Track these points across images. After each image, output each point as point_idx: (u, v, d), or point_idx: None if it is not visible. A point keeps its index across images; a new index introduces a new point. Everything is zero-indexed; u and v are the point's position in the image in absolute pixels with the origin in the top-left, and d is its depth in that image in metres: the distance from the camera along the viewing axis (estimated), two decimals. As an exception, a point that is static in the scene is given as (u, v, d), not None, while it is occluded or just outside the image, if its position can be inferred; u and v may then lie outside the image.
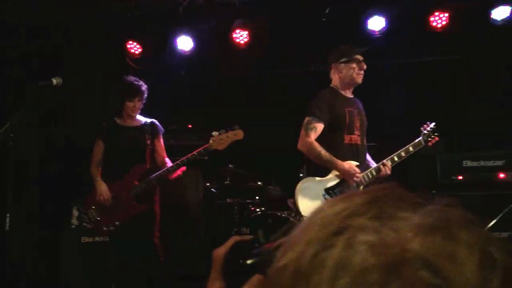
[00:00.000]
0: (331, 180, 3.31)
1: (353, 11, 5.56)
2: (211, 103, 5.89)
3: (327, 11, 5.55)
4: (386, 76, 5.79)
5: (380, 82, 5.62)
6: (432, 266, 0.46)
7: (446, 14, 5.18)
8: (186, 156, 3.71)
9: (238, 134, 3.62)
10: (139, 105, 4.01)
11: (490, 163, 4.49)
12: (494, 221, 3.95)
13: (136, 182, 3.83)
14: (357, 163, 3.33)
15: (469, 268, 0.46)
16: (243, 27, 5.57)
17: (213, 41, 5.75)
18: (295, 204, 3.28)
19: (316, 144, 3.28)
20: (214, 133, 3.67)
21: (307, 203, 3.24)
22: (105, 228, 3.84)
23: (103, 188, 3.84)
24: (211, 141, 3.66)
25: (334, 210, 0.53)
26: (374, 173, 3.34)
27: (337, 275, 0.48)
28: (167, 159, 4.01)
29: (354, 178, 3.23)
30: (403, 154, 3.37)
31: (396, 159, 3.35)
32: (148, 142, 3.96)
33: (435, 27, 5.25)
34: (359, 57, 3.42)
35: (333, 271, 0.48)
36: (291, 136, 3.52)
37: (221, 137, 3.62)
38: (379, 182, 3.30)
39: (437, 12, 5.19)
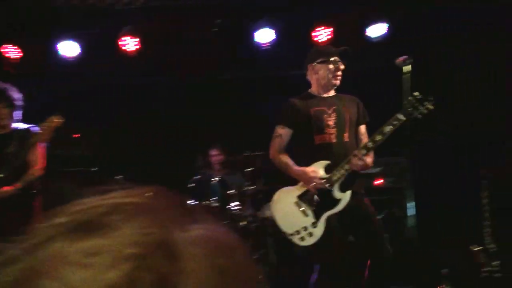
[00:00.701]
0: (302, 186, 3.20)
1: (242, 23, 5.67)
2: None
3: (218, 21, 5.60)
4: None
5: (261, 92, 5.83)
6: None
7: (330, 29, 5.46)
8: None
9: (53, 120, 3.39)
10: (5, 112, 3.69)
11: (367, 170, 4.77)
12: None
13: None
14: (328, 162, 3.13)
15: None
16: (132, 34, 5.43)
17: (100, 47, 5.55)
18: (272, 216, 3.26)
19: (276, 153, 3.26)
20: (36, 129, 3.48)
21: (282, 213, 3.21)
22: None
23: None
24: (32, 139, 3.48)
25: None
26: (346, 167, 3.06)
27: None
28: (38, 169, 3.71)
29: (311, 185, 3.08)
30: (378, 137, 3.01)
31: (371, 145, 3.03)
32: (12, 149, 3.65)
33: (317, 42, 5.51)
34: (336, 58, 3.26)
35: None
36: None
37: (43, 129, 3.41)
38: (353, 176, 3.10)
39: (321, 26, 5.45)
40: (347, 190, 3.09)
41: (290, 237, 3.14)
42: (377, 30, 5.42)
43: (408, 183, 5.01)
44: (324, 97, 3.31)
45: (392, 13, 5.32)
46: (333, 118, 3.20)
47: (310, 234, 3.09)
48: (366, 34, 5.45)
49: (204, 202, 4.51)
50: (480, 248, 4.22)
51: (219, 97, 6.01)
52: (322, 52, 3.32)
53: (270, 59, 5.84)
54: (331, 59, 3.22)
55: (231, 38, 5.66)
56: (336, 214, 3.08)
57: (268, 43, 5.59)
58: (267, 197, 5.15)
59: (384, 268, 3.11)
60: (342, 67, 3.25)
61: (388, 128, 2.97)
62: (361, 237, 3.16)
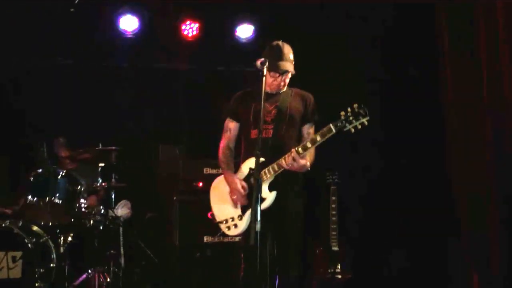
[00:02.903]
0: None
1: (105, 7, 5.29)
2: None
3: (76, 1, 5.13)
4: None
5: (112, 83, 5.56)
6: None
7: (197, 25, 5.36)
8: None
9: None
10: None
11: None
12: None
13: None
14: (262, 159, 3.00)
15: None
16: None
17: None
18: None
19: (221, 150, 3.34)
20: None
21: (216, 200, 3.30)
22: None
23: None
24: None
25: None
26: (276, 168, 3.05)
27: None
28: None
29: (233, 197, 3.16)
30: (308, 145, 2.99)
31: (300, 151, 2.98)
32: None
33: (186, 36, 5.37)
34: (282, 70, 3.18)
35: None
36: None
37: None
38: (283, 177, 3.05)
39: (188, 21, 5.32)
40: (273, 190, 3.08)
41: (219, 224, 3.26)
42: (245, 32, 5.46)
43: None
44: (270, 93, 3.28)
45: (258, 15, 5.39)
46: (272, 114, 3.22)
47: (235, 226, 3.17)
48: (236, 34, 5.46)
49: (46, 199, 4.08)
50: (325, 250, 4.44)
51: (69, 84, 5.51)
52: (269, 55, 3.16)
53: (132, 50, 5.57)
54: (275, 69, 3.17)
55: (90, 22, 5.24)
56: (265, 213, 2.94)
57: (131, 32, 5.31)
58: (120, 195, 4.92)
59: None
60: (287, 81, 3.25)
61: (318, 138, 2.97)
62: (276, 248, 3.17)
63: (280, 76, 3.20)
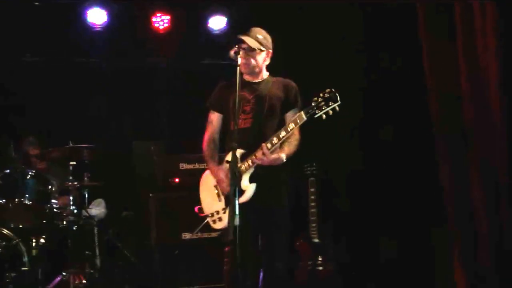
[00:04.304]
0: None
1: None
2: None
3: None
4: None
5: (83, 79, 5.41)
6: None
7: (168, 17, 5.24)
8: None
9: None
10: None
11: (203, 166, 4.66)
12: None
13: None
14: (242, 151, 3.03)
15: None
16: None
17: None
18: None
19: (205, 142, 3.30)
20: None
21: (204, 193, 3.30)
22: None
23: None
24: None
25: None
26: (251, 160, 3.02)
27: None
28: None
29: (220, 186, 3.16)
30: (282, 134, 2.95)
31: (275, 141, 2.95)
32: None
33: (157, 28, 5.25)
34: (237, 49, 3.03)
35: None
36: None
37: None
38: (263, 168, 2.99)
39: (158, 13, 5.20)
40: (253, 182, 3.04)
41: (207, 218, 3.27)
42: (217, 23, 5.37)
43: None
44: (250, 82, 3.24)
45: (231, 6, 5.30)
46: (251, 104, 3.17)
47: (220, 219, 3.18)
48: (208, 26, 5.36)
49: (15, 200, 3.93)
50: (306, 242, 4.40)
51: (37, 80, 5.33)
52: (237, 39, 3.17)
53: (103, 44, 5.41)
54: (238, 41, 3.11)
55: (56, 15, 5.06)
56: (247, 206, 2.93)
57: (100, 25, 5.16)
58: (94, 194, 4.78)
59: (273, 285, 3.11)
60: (244, 56, 3.08)
61: (291, 126, 2.94)
62: (261, 245, 3.14)
63: (245, 53, 3.09)
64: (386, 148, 4.68)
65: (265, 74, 3.27)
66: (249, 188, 3.02)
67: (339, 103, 2.83)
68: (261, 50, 3.16)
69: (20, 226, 4.06)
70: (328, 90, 2.85)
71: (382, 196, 4.69)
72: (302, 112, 2.90)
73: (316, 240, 4.39)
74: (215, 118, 3.31)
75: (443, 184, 3.84)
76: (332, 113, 2.84)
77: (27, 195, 4.00)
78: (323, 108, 2.84)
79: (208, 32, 5.45)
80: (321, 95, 2.86)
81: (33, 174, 4.10)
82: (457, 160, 3.78)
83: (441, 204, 3.86)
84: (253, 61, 3.16)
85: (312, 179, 4.52)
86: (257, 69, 3.21)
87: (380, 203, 4.71)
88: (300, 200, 4.47)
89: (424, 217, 4.30)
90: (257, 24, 3.24)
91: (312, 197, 4.47)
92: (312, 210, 4.44)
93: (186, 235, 4.54)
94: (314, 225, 4.42)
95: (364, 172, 4.83)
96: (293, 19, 5.01)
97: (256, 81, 3.25)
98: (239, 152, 3.02)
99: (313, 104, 2.86)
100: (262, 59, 3.20)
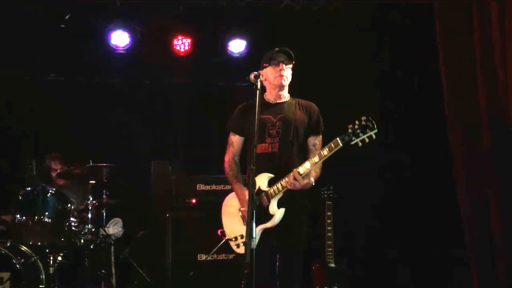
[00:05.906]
0: None
1: (96, 22, 5.25)
2: None
3: (67, 17, 5.09)
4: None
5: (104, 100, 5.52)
6: None
7: (189, 40, 5.34)
8: None
9: None
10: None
11: (220, 187, 4.70)
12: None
13: None
14: (271, 175, 3.05)
15: None
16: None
17: None
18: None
19: (227, 164, 3.27)
20: None
21: (227, 217, 3.23)
22: None
23: None
24: None
25: None
26: (281, 184, 2.99)
27: None
28: None
29: (242, 209, 3.07)
30: (315, 159, 2.93)
31: (308, 166, 2.93)
32: None
33: (178, 51, 5.35)
34: (279, 59, 3.13)
35: None
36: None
37: None
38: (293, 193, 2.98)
39: (180, 36, 5.30)
40: (282, 207, 3.00)
41: (230, 241, 3.20)
42: (237, 46, 5.45)
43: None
44: (274, 103, 3.24)
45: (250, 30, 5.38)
46: (277, 127, 3.15)
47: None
48: (228, 49, 5.45)
49: (35, 218, 3.98)
50: (321, 266, 4.34)
51: (59, 100, 5.44)
52: (266, 56, 3.22)
53: (125, 65, 5.52)
54: (273, 60, 3.16)
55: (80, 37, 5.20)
56: (276, 231, 2.96)
57: (123, 47, 5.27)
58: (112, 213, 4.81)
59: None
60: (285, 66, 3.15)
61: (325, 152, 2.91)
62: (278, 269, 3.09)
63: (278, 64, 3.12)
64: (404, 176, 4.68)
65: (287, 94, 3.27)
66: (277, 213, 2.99)
67: (375, 130, 2.83)
68: (294, 64, 3.18)
69: (39, 244, 4.10)
70: (364, 118, 2.85)
71: (399, 220, 4.66)
72: (338, 139, 2.88)
73: (332, 265, 4.33)
74: (235, 140, 3.29)
75: (462, 216, 3.84)
76: (368, 140, 2.84)
77: (46, 213, 4.02)
78: (360, 135, 2.84)
79: (228, 55, 5.52)
80: (357, 122, 2.86)
81: (53, 192, 4.14)
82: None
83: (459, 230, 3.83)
84: (285, 73, 3.16)
85: (329, 202, 4.49)
86: (287, 84, 3.22)
87: (396, 228, 4.68)
88: (315, 223, 4.44)
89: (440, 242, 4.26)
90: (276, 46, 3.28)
91: (329, 221, 4.43)
92: (329, 234, 4.40)
93: (202, 256, 4.53)
94: (330, 249, 4.37)
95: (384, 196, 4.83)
96: (310, 43, 5.07)
97: (279, 101, 3.24)
98: (267, 176, 3.05)
99: (349, 131, 2.85)
100: (291, 75, 3.22)
